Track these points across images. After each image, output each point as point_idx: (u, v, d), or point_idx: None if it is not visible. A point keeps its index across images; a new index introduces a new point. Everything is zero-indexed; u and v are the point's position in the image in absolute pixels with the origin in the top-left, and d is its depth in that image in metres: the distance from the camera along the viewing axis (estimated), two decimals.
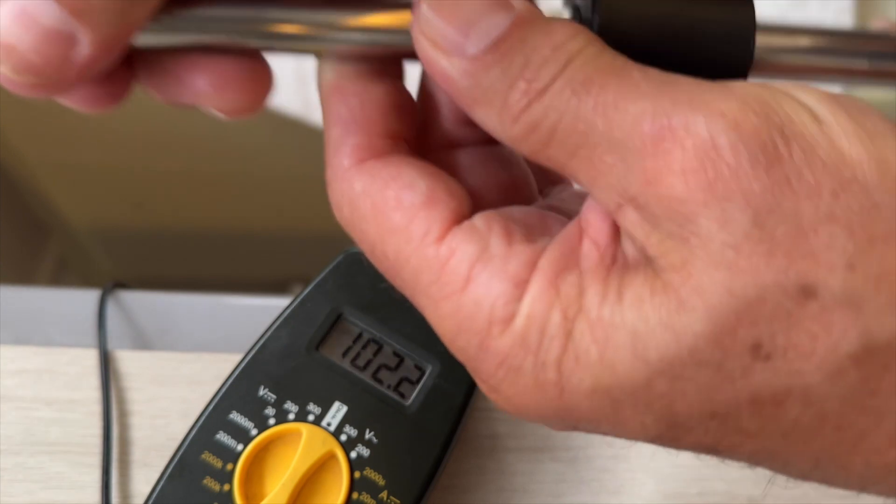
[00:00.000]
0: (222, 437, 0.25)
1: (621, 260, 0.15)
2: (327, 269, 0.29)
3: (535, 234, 0.16)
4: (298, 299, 0.28)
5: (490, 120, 0.15)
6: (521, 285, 0.15)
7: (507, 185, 0.19)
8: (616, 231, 0.15)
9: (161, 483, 0.25)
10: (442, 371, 0.27)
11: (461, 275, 0.15)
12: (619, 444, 0.31)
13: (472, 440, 0.31)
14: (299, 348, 0.27)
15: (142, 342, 0.34)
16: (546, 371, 0.15)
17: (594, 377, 0.14)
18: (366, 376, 0.27)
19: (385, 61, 0.18)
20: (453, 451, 0.27)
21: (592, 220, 0.16)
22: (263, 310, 0.35)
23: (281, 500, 0.24)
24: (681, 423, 0.15)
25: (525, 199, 0.19)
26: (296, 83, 0.62)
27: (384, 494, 0.25)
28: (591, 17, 0.16)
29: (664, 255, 0.14)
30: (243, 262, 0.86)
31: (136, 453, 0.30)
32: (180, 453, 0.25)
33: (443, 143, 0.19)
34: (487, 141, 0.19)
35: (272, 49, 0.17)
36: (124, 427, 0.30)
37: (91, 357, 0.32)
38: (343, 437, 0.26)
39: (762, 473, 0.32)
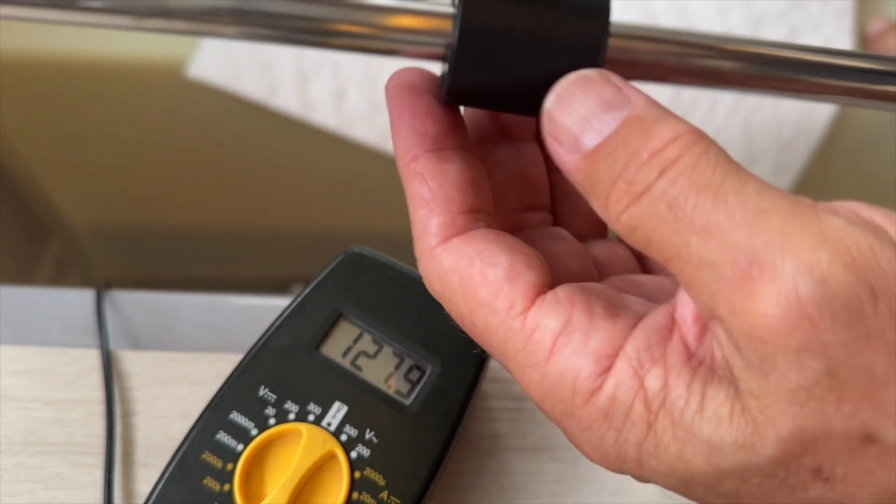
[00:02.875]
0: (223, 437, 0.25)
1: (707, 363, 0.16)
2: (328, 269, 0.29)
3: (617, 309, 0.17)
4: (299, 299, 0.28)
5: (600, 211, 0.17)
6: (602, 362, 0.16)
7: (577, 254, 0.21)
8: (705, 330, 0.16)
9: (161, 483, 0.25)
10: (442, 371, 0.27)
11: (546, 346, 0.17)
12: None
13: (473, 440, 0.31)
14: (300, 348, 0.27)
15: (142, 342, 0.34)
16: (627, 447, 0.16)
17: (670, 466, 0.16)
18: (366, 376, 0.27)
19: (454, 134, 0.19)
20: (454, 451, 0.27)
21: (686, 316, 0.16)
22: (263, 310, 0.35)
23: (281, 500, 0.24)
24: None
25: (592, 272, 0.21)
26: (296, 83, 0.62)
27: (384, 494, 0.25)
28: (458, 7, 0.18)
29: (745, 380, 0.15)
30: (243, 262, 0.86)
31: (137, 453, 0.30)
32: (181, 453, 0.25)
33: (509, 229, 0.20)
34: (547, 227, 0.21)
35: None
36: (125, 427, 0.30)
37: (91, 357, 0.32)
38: (343, 437, 0.26)
39: None
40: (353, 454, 0.25)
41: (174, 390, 0.31)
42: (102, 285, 0.34)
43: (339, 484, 0.25)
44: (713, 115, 0.62)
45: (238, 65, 0.61)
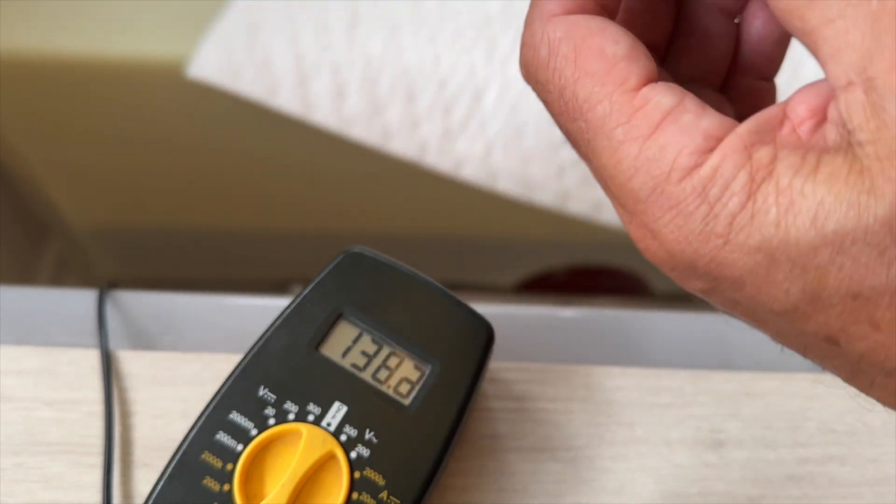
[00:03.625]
0: (222, 437, 0.25)
1: (820, 144, 0.15)
2: (327, 269, 0.29)
3: (725, 110, 0.17)
4: (298, 299, 0.28)
5: None
6: (711, 140, 0.16)
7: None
8: (821, 123, 0.15)
9: (161, 483, 0.25)
10: (442, 371, 0.27)
11: (653, 121, 0.16)
12: (620, 444, 0.31)
13: (473, 440, 0.31)
14: (299, 348, 0.27)
15: (142, 342, 0.34)
16: (717, 222, 0.15)
17: (763, 236, 0.15)
18: (366, 376, 0.27)
19: None
20: (453, 451, 0.27)
21: (799, 110, 0.16)
22: (263, 310, 0.35)
23: (281, 501, 0.24)
24: (823, 298, 0.15)
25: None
26: (296, 83, 0.62)
27: (384, 494, 0.25)
28: None
29: (874, 142, 0.14)
30: (243, 262, 0.86)
31: (136, 453, 0.30)
32: (180, 453, 0.25)
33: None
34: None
35: None
36: (124, 427, 0.30)
37: (91, 357, 0.32)
38: (343, 437, 0.26)
39: (761, 474, 0.32)
40: (353, 454, 0.25)
41: (174, 390, 0.31)
42: (105, 285, 0.34)
43: (338, 484, 0.25)
44: None
45: (238, 64, 0.61)
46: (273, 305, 0.35)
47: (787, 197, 0.15)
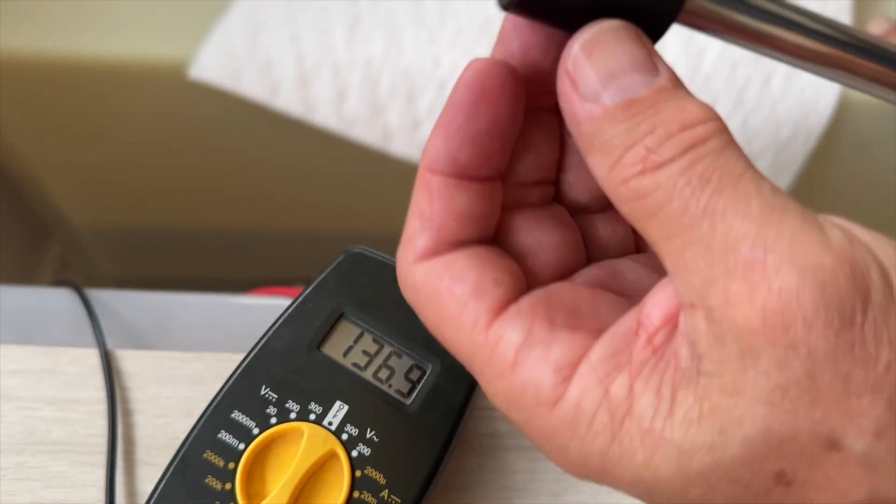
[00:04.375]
0: (224, 436, 0.25)
1: (673, 363, 0.16)
2: (329, 269, 0.29)
3: (581, 317, 0.17)
4: (300, 299, 0.28)
5: (600, 170, 0.16)
6: (563, 371, 0.16)
7: (560, 245, 0.20)
8: (674, 331, 0.16)
9: (163, 482, 0.25)
10: (443, 370, 0.28)
11: (508, 359, 0.17)
12: None
13: (473, 439, 0.31)
14: (301, 348, 0.27)
15: (143, 342, 0.34)
16: (591, 456, 0.16)
17: (635, 475, 0.16)
18: (367, 376, 0.27)
19: (478, 163, 0.19)
20: (454, 449, 0.27)
21: (654, 315, 0.16)
22: (264, 310, 0.35)
23: (282, 499, 0.24)
24: None
25: (576, 259, 0.21)
26: (297, 84, 0.62)
27: (385, 493, 0.25)
28: None
29: (720, 374, 0.15)
30: (244, 262, 0.86)
31: (138, 452, 0.30)
32: (182, 452, 0.25)
33: (508, 203, 0.20)
34: (546, 203, 0.21)
35: None
36: (126, 426, 0.30)
37: (92, 356, 0.32)
38: (344, 437, 0.26)
39: None
40: (354, 453, 0.25)
41: (175, 389, 0.31)
42: (77, 285, 0.35)
43: (339, 483, 0.25)
44: None
45: (239, 66, 0.61)
46: (273, 305, 0.35)
47: (650, 440, 0.15)
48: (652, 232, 0.16)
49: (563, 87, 0.17)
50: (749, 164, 0.16)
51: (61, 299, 0.35)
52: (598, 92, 0.16)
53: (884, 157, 0.69)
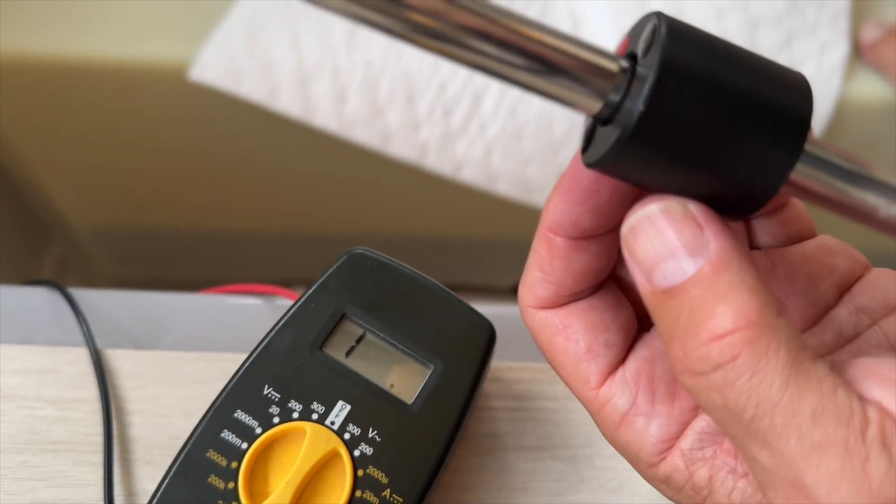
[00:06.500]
0: (227, 435, 0.25)
1: (748, 479, 0.18)
2: (331, 269, 0.29)
3: (677, 387, 0.20)
4: (302, 299, 0.29)
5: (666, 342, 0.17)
6: (659, 446, 0.19)
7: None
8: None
9: (166, 481, 0.25)
10: (444, 371, 0.28)
11: (614, 420, 0.20)
12: None
13: (474, 439, 0.31)
14: (303, 348, 0.27)
15: (143, 342, 0.34)
16: (685, 501, 0.19)
17: None
18: (369, 376, 0.27)
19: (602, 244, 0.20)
20: (455, 449, 0.27)
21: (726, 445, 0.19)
22: (265, 310, 0.35)
23: (285, 498, 0.24)
24: None
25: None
26: (297, 86, 0.62)
27: (387, 492, 0.25)
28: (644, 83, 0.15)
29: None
30: (245, 263, 0.86)
31: (140, 451, 0.30)
32: (185, 451, 0.25)
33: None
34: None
35: None
36: (127, 425, 0.30)
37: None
38: (346, 436, 0.26)
39: None
40: (356, 452, 0.26)
41: (176, 389, 0.31)
42: (59, 284, 0.35)
43: (342, 482, 0.25)
44: None
45: (239, 67, 0.61)
46: (274, 305, 0.35)
47: None
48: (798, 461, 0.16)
49: (628, 262, 0.17)
50: (790, 377, 0.15)
51: (61, 299, 0.35)
52: (651, 272, 0.16)
53: (884, 157, 0.69)
